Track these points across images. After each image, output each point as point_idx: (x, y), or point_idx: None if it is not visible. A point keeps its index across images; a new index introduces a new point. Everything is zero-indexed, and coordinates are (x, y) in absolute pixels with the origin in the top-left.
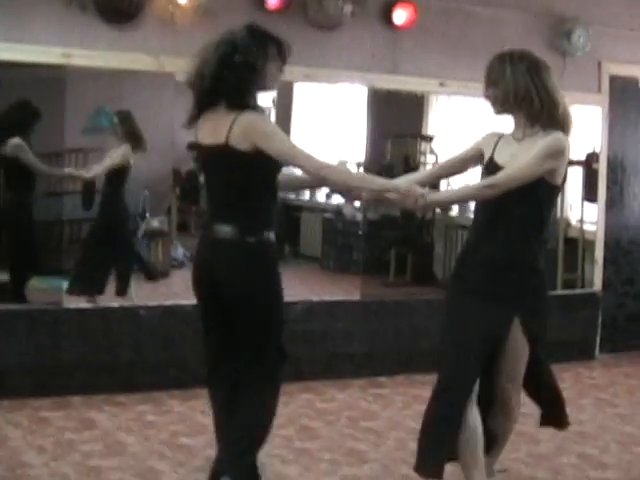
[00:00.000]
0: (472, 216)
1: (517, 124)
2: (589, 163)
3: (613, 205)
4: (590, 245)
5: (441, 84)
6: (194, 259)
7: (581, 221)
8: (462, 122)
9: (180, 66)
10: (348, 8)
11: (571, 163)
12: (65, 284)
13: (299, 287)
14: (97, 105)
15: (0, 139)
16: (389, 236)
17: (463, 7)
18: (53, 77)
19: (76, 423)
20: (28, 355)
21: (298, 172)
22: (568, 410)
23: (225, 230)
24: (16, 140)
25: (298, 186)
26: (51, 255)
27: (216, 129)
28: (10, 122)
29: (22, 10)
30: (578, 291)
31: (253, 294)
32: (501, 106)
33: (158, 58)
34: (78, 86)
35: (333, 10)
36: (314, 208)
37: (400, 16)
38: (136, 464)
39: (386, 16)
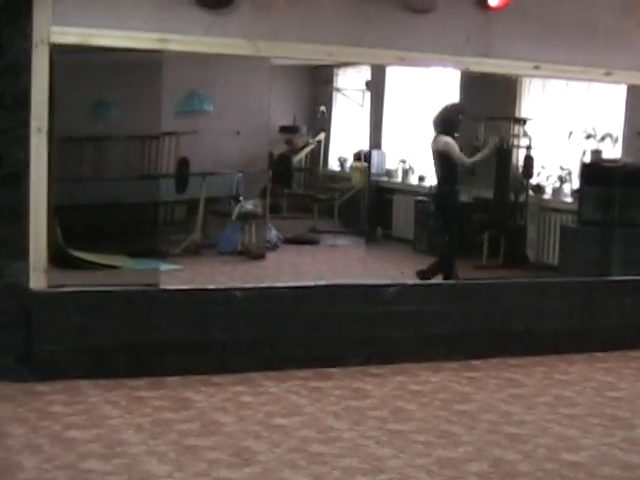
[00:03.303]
0: (566, 200)
1: None
2: None
3: None
4: None
5: (535, 67)
6: None
7: None
8: (558, 105)
9: (276, 50)
10: None
11: None
12: (161, 265)
13: (391, 269)
14: (190, 89)
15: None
16: (482, 219)
17: None
18: (149, 62)
19: (172, 403)
20: (125, 335)
21: None
22: None
23: None
24: (446, 138)
25: None
26: (147, 237)
27: None
28: (442, 121)
29: None
30: None
31: None
32: None
33: (254, 42)
34: (174, 71)
35: None
36: (406, 191)
37: None
38: (232, 444)
39: None
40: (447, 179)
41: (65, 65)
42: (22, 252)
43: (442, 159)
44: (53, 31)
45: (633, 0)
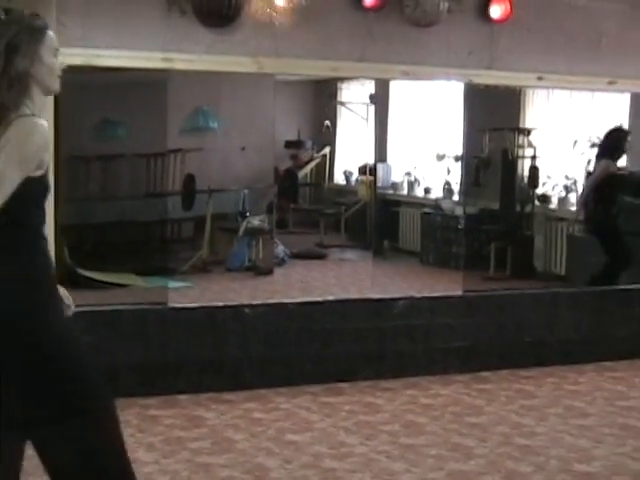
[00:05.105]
0: (573, 209)
1: None
2: None
3: None
4: None
5: (539, 78)
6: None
7: None
8: (562, 114)
9: (279, 67)
10: (445, 5)
11: None
12: (170, 283)
13: (399, 282)
14: (195, 106)
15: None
16: (489, 230)
17: None
18: (154, 80)
19: (184, 421)
20: (135, 354)
21: None
22: None
23: None
24: (606, 161)
25: None
26: (154, 255)
27: None
28: (607, 144)
29: (124, 17)
30: None
31: None
32: None
33: (257, 60)
34: (178, 88)
35: (430, 7)
36: (413, 203)
37: (496, 11)
38: (245, 461)
39: (482, 11)
40: (603, 201)
41: (70, 85)
42: None
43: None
44: None
45: (636, 10)
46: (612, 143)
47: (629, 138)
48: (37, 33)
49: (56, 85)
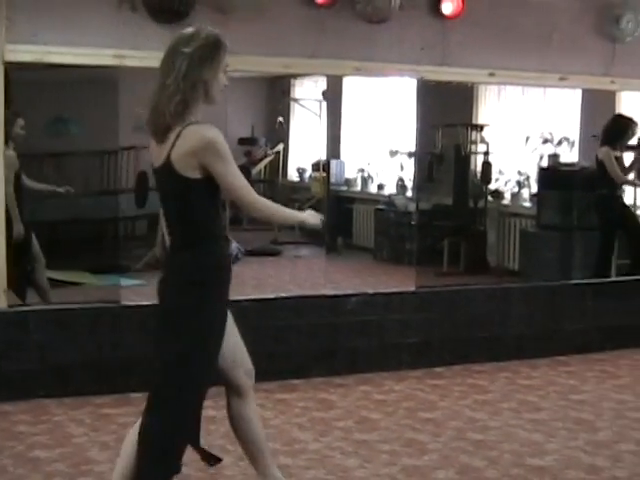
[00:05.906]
0: (525, 204)
1: None
2: None
3: None
4: None
5: (491, 74)
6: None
7: None
8: (514, 110)
9: (232, 63)
10: (396, 1)
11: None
12: (123, 281)
13: (353, 279)
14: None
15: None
16: (442, 225)
17: None
18: (106, 77)
19: (137, 419)
20: (88, 353)
21: None
22: None
23: None
24: (606, 148)
25: None
26: (108, 252)
27: None
28: (606, 132)
29: (74, 14)
30: None
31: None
32: None
33: None
34: (130, 85)
35: (381, 3)
36: (366, 199)
37: (448, 7)
38: (198, 458)
39: (434, 7)
40: (605, 185)
41: (21, 82)
42: None
43: (601, 168)
44: (7, 49)
45: (587, 5)
46: (614, 130)
47: (634, 126)
48: (221, 49)
49: (218, 98)
